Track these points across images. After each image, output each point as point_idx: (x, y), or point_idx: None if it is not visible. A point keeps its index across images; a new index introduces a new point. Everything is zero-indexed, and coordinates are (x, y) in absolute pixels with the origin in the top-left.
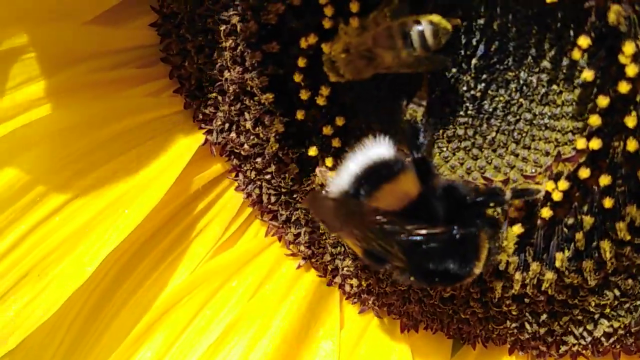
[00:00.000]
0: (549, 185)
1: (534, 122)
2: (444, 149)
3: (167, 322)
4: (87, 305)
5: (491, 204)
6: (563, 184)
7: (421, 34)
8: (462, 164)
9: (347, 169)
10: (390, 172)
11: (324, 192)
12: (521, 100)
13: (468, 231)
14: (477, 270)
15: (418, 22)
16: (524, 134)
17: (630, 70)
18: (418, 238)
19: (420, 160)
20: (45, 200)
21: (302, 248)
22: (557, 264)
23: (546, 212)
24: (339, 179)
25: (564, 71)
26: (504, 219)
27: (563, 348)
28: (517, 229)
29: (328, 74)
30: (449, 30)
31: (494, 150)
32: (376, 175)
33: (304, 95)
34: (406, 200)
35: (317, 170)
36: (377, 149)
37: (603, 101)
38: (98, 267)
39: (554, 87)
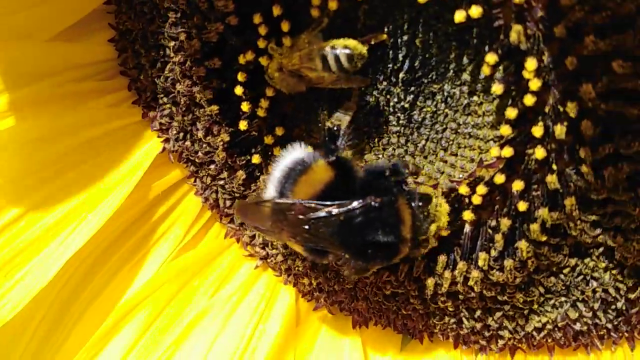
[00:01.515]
0: (464, 190)
1: (459, 130)
2: (380, 156)
3: (132, 321)
4: (53, 305)
5: (400, 175)
6: (481, 189)
7: (337, 58)
8: None
9: (271, 177)
10: (303, 166)
11: (252, 198)
12: (446, 110)
13: (385, 199)
14: (407, 234)
15: (334, 47)
16: (450, 142)
17: (534, 85)
18: (339, 216)
19: (336, 162)
20: (11, 206)
21: (257, 249)
22: (480, 263)
23: (468, 215)
24: (267, 189)
25: (482, 84)
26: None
27: (500, 342)
28: (445, 232)
29: (271, 86)
30: (364, 55)
31: (425, 157)
32: (293, 173)
33: (245, 107)
34: (321, 185)
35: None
36: (294, 153)
37: (512, 113)
38: (63, 268)
39: (475, 98)
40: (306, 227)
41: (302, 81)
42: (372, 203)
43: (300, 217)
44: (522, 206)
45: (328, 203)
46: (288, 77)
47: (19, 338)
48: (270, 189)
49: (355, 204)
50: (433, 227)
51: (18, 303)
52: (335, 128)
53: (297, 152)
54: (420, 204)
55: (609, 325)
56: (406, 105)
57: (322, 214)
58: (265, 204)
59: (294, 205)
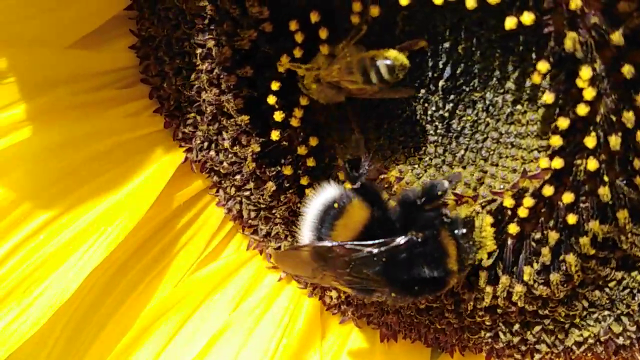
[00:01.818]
0: (508, 202)
1: (501, 140)
2: (416, 166)
3: (152, 335)
4: (72, 320)
5: (435, 200)
6: (528, 201)
7: (378, 70)
8: None
9: (305, 221)
10: (337, 210)
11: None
12: (488, 119)
13: (427, 233)
14: (453, 267)
15: (374, 59)
16: (491, 152)
17: (588, 94)
18: (382, 256)
19: (361, 189)
20: (30, 219)
21: None
22: (525, 277)
23: (513, 228)
24: (302, 233)
25: (527, 92)
26: (469, 214)
27: (537, 356)
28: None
29: (305, 95)
30: (406, 65)
31: (464, 167)
32: (328, 217)
33: (278, 117)
34: (360, 226)
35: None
36: (322, 193)
37: (563, 123)
38: (83, 283)
39: (519, 107)
40: (348, 269)
41: (342, 92)
42: (415, 238)
43: (342, 259)
44: (572, 219)
45: (369, 243)
46: (327, 89)
47: (36, 355)
48: (306, 234)
49: (397, 241)
50: (480, 255)
51: (38, 320)
52: (354, 159)
53: (327, 193)
54: (464, 231)
55: None
56: (445, 114)
57: (364, 254)
58: (304, 249)
59: (334, 248)
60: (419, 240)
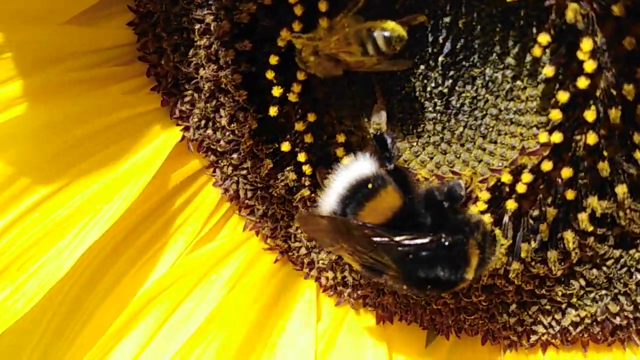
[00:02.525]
0: (506, 178)
1: (500, 117)
2: (414, 143)
3: (148, 315)
4: (67, 298)
5: (453, 204)
6: (527, 177)
7: (375, 41)
8: (431, 159)
9: (333, 189)
10: (371, 190)
11: (314, 210)
12: (487, 96)
13: (455, 238)
14: (469, 277)
15: (371, 30)
16: (490, 129)
17: (589, 66)
18: (407, 248)
19: (395, 172)
20: (25, 196)
21: (278, 242)
22: (523, 254)
23: (511, 204)
24: (327, 198)
25: (528, 67)
26: (492, 226)
27: (533, 337)
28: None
29: (303, 70)
30: (404, 37)
31: (462, 145)
32: (359, 195)
33: (276, 92)
34: (390, 213)
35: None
36: (357, 167)
37: (563, 96)
38: (77, 261)
39: (518, 83)
40: (369, 250)
41: (340, 65)
42: (444, 241)
43: (366, 240)
44: (570, 195)
45: (398, 234)
46: (325, 62)
47: (31, 332)
48: (331, 200)
49: (427, 239)
50: (491, 265)
51: (32, 297)
52: (379, 134)
53: (360, 167)
54: (492, 248)
55: None
56: (444, 91)
57: (389, 242)
58: (324, 219)
59: (361, 227)
60: (447, 243)
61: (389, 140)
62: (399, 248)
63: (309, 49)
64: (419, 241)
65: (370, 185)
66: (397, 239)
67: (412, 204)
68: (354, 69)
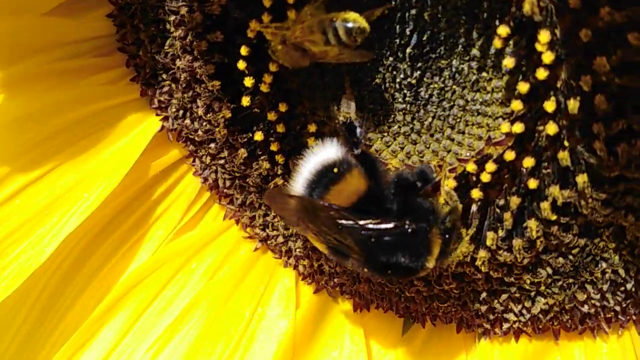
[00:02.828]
0: (471, 167)
1: (467, 108)
2: (385, 134)
3: (128, 303)
4: (48, 286)
5: (424, 185)
6: (491, 166)
7: (336, 31)
8: (402, 149)
9: (301, 174)
10: (336, 175)
11: (283, 189)
12: (454, 87)
13: (419, 226)
14: (430, 265)
15: (333, 20)
16: (458, 120)
17: (547, 58)
18: (370, 232)
19: (362, 157)
20: (6, 184)
21: (257, 230)
22: (489, 242)
23: (476, 193)
24: (295, 183)
25: (492, 59)
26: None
27: (505, 325)
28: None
29: (275, 61)
30: (365, 28)
31: (432, 135)
32: (324, 179)
33: (247, 82)
34: (355, 197)
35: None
36: (324, 152)
37: (524, 87)
38: (58, 248)
39: (484, 74)
40: (333, 232)
41: (306, 55)
42: (407, 228)
43: (331, 221)
44: (533, 184)
45: (363, 218)
46: (291, 51)
47: (11, 320)
48: (298, 185)
49: (390, 225)
50: (451, 259)
51: (12, 283)
52: (348, 122)
53: (327, 152)
54: (455, 237)
55: (617, 308)
56: (413, 82)
57: (354, 224)
58: (293, 199)
59: (327, 209)
60: (410, 230)
61: (357, 127)
62: (363, 232)
63: (278, 39)
64: (382, 226)
65: (335, 170)
66: (362, 222)
67: (379, 189)
68: (319, 59)
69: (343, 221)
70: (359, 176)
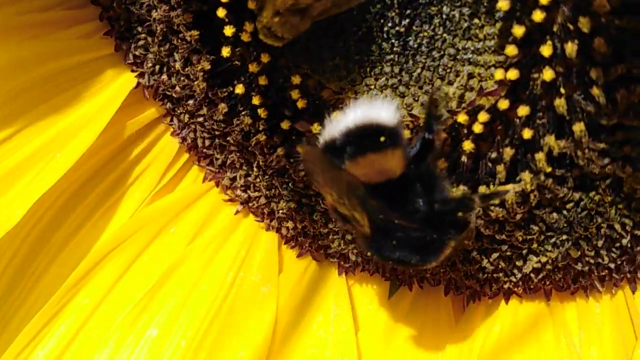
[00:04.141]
0: (463, 118)
1: (458, 57)
2: (372, 86)
3: (104, 269)
4: (20, 251)
5: (460, 212)
6: (483, 116)
7: None
8: None
9: (344, 117)
10: (380, 143)
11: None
12: (444, 35)
13: (438, 236)
14: (434, 264)
15: None
16: (448, 70)
17: None
18: (393, 226)
19: (426, 143)
20: None
21: (238, 192)
22: None
23: (468, 145)
24: (335, 123)
25: (485, 4)
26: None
27: (495, 286)
28: (442, 162)
29: (271, 43)
30: None
31: (420, 87)
32: (366, 141)
33: (228, 31)
34: (385, 176)
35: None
36: (380, 110)
37: (519, 30)
38: (30, 211)
39: (476, 20)
40: (352, 194)
41: (305, 16)
42: (427, 237)
43: (353, 186)
44: (527, 134)
45: (394, 215)
46: (291, 17)
47: None
48: (335, 127)
49: (415, 228)
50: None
51: None
52: (436, 106)
53: (383, 112)
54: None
55: (612, 265)
56: (401, 30)
57: (376, 207)
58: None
59: (352, 177)
60: (429, 239)
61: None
62: (386, 222)
63: (270, 13)
64: (407, 225)
65: (382, 137)
66: (392, 215)
67: (410, 181)
68: (319, 17)
69: (372, 202)
70: (400, 158)
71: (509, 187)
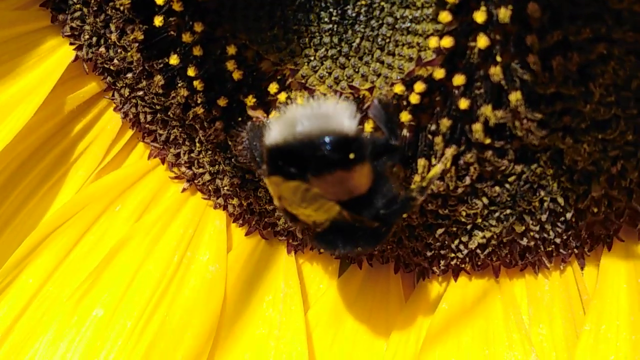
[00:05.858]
0: (399, 89)
1: (396, 26)
2: (312, 57)
3: (49, 248)
4: None
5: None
6: (419, 86)
7: None
8: (330, 74)
9: (301, 121)
10: (345, 162)
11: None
12: (383, 3)
13: (388, 228)
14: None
15: None
16: (387, 40)
17: None
18: (349, 224)
19: (398, 150)
20: None
21: (183, 169)
22: (420, 170)
23: (405, 116)
24: (285, 122)
25: None
26: None
27: (443, 263)
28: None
29: None
30: None
31: (360, 58)
32: (332, 157)
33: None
34: (353, 194)
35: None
36: (339, 116)
37: None
38: None
39: None
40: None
41: None
42: (375, 229)
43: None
44: (464, 104)
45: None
46: None
47: None
48: (288, 128)
49: (374, 225)
50: None
51: None
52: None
53: (343, 118)
54: None
55: (558, 240)
56: None
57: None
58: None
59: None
60: (376, 230)
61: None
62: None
63: None
64: (366, 224)
65: (352, 156)
66: (357, 217)
67: (375, 191)
68: None
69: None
70: (368, 174)
71: (438, 168)
